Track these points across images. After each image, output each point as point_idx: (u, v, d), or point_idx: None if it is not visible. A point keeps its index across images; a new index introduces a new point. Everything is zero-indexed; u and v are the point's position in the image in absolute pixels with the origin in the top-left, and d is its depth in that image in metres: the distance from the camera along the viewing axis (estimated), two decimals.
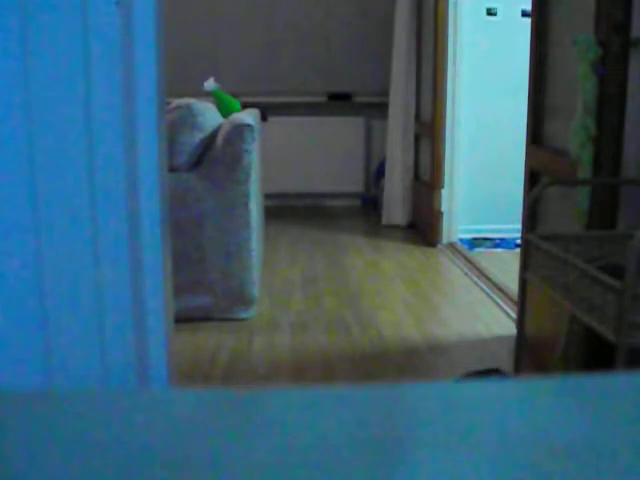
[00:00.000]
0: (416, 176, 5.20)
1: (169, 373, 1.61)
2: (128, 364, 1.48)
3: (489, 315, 3.30)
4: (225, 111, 3.64)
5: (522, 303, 2.25)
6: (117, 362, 1.46)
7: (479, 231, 4.89)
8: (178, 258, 2.70)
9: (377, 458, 0.41)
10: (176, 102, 3.26)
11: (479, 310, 3.39)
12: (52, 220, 1.36)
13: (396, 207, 5.21)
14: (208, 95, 3.85)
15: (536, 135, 2.82)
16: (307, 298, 3.56)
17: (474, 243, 4.77)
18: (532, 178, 2.83)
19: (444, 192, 4.65)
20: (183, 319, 2.95)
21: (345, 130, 5.87)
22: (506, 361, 2.69)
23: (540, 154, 2.77)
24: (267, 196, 4.61)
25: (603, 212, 2.21)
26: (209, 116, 3.31)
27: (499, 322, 3.20)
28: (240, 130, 3.06)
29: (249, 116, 3.26)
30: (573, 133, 2.19)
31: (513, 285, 3.02)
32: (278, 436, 0.44)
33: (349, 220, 5.56)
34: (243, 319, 3.21)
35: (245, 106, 4.02)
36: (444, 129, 4.59)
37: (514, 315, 3.09)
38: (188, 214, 3.08)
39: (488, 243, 4.80)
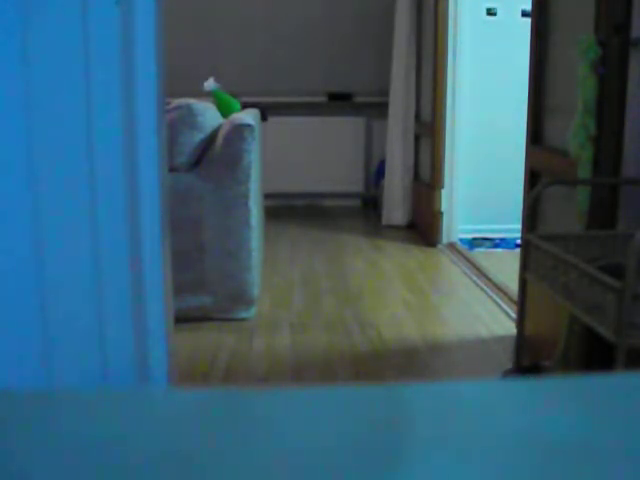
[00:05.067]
0: (416, 176, 5.20)
1: (169, 373, 1.61)
2: (128, 364, 1.48)
3: (489, 315, 3.30)
4: (225, 111, 3.64)
5: (522, 303, 2.25)
6: (117, 362, 1.46)
7: (479, 231, 4.89)
8: (178, 258, 2.70)
9: (376, 458, 0.41)
10: (176, 102, 3.26)
11: (479, 310, 3.39)
12: (52, 220, 1.36)
13: (396, 207, 5.21)
14: (208, 95, 3.85)
15: (536, 135, 2.82)
16: (307, 298, 3.56)
17: (474, 243, 4.77)
18: (532, 178, 2.83)
19: (444, 192, 4.65)
20: (183, 319, 2.95)
21: (345, 130, 5.87)
22: (506, 361, 2.69)
23: (540, 154, 2.77)
24: (267, 196, 4.61)
25: (603, 212, 2.21)
26: (209, 116, 3.31)
27: (499, 322, 3.20)
28: (240, 130, 3.06)
29: (249, 116, 3.26)
30: (573, 133, 2.19)
31: (513, 285, 3.02)
32: (278, 436, 0.44)
33: (349, 220, 5.56)
34: (243, 319, 3.21)
35: (245, 106, 4.02)
36: (444, 129, 4.59)
37: (514, 315, 3.09)
38: (188, 214, 3.07)
39: (488, 243, 4.80)
